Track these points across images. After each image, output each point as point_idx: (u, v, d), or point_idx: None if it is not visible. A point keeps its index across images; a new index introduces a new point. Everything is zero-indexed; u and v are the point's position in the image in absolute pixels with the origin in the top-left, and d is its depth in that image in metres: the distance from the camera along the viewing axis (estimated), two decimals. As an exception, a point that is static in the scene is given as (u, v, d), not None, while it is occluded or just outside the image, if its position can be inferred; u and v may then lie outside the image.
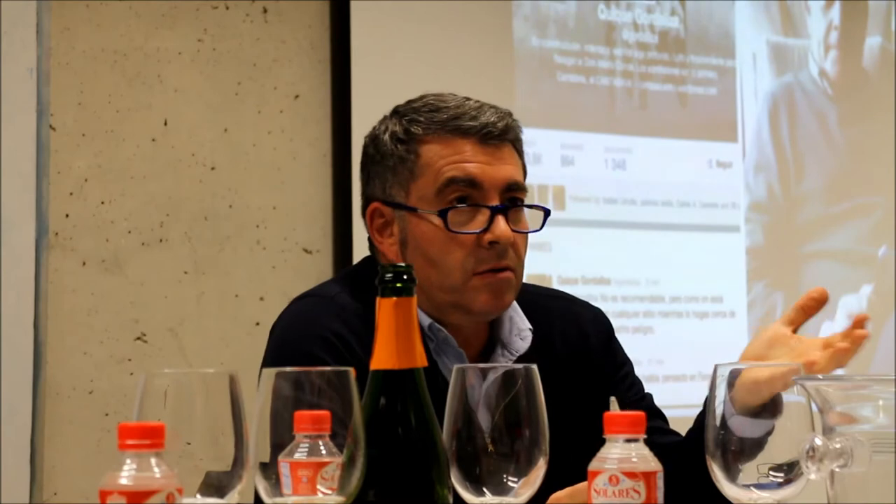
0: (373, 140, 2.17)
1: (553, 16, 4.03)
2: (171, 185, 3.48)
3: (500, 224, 2.07)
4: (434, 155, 2.09)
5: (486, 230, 2.06)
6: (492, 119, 2.10)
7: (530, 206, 2.14)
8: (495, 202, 2.08)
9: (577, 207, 4.00)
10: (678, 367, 4.03)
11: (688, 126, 4.24)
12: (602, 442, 1.39)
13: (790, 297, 4.35)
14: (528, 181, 2.17)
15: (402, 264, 1.39)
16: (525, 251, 2.12)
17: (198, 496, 1.29)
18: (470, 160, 2.08)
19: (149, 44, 3.49)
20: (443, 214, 2.06)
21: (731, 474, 1.45)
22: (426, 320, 2.08)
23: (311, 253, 3.61)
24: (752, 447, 1.46)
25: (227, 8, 3.58)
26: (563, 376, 2.12)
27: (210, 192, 3.53)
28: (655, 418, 2.19)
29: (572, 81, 4.04)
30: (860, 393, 1.40)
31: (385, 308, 1.37)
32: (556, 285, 3.85)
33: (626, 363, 2.27)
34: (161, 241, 3.46)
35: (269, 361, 2.08)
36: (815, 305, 1.97)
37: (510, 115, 2.15)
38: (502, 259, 2.07)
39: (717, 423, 1.46)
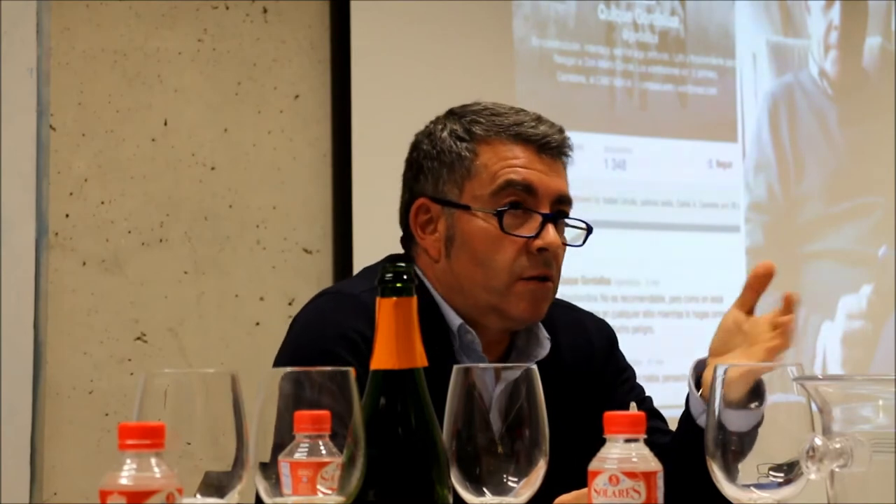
0: (428, 136, 2.18)
1: (553, 16, 4.03)
2: (171, 185, 3.48)
3: (551, 232, 2.11)
4: (493, 156, 2.12)
5: (536, 236, 2.10)
6: (551, 131, 2.16)
7: (576, 220, 2.18)
8: (546, 211, 2.11)
9: (577, 207, 3.99)
10: (678, 367, 4.03)
11: (688, 126, 4.24)
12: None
13: (790, 297, 4.34)
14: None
15: (402, 264, 1.39)
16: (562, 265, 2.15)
17: (198, 496, 1.29)
18: (528, 166, 2.12)
19: (149, 44, 3.49)
20: (499, 215, 2.09)
21: (731, 474, 1.45)
22: (456, 321, 2.10)
23: (311, 253, 3.61)
24: (747, 442, 1.46)
25: (227, 8, 3.58)
26: (569, 383, 2.14)
27: (210, 192, 3.53)
28: (655, 419, 2.20)
29: (572, 81, 4.04)
30: (860, 393, 1.40)
31: (385, 308, 1.37)
32: (556, 285, 3.85)
33: (627, 369, 2.30)
34: (161, 241, 3.46)
35: (286, 357, 2.07)
36: (763, 281, 2.05)
37: (564, 131, 2.18)
38: (548, 267, 2.11)
39: (716, 423, 1.46)
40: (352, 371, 1.29)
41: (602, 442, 1.39)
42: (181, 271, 3.48)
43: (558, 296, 2.18)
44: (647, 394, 2.30)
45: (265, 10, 3.63)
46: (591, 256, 4.04)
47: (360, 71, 3.67)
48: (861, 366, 4.38)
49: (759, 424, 1.48)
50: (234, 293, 3.53)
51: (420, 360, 1.37)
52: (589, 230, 2.19)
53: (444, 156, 2.14)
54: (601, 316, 2.40)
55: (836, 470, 1.36)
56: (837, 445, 1.34)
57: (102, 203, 3.41)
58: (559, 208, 2.14)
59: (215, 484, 1.28)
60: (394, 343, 1.36)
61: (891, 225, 4.44)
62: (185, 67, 3.52)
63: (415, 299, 1.38)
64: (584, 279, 3.99)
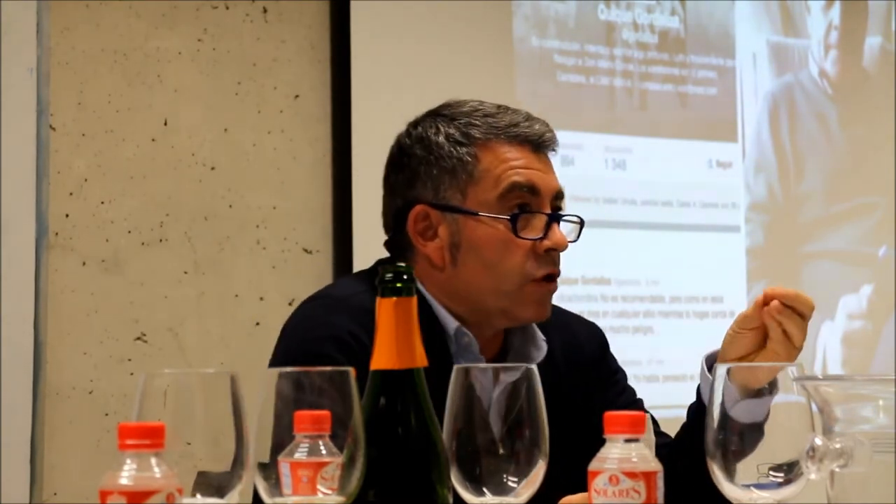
0: (420, 141, 2.16)
1: (553, 16, 4.03)
2: (171, 185, 3.48)
3: (557, 232, 2.11)
4: (495, 160, 2.11)
5: (544, 237, 2.09)
6: (543, 129, 2.16)
7: (571, 216, 2.17)
8: (548, 210, 2.11)
9: (577, 207, 3.98)
10: (678, 367, 4.03)
11: (688, 126, 4.23)
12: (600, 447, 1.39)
13: (790, 297, 4.34)
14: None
15: (402, 264, 1.39)
16: None
17: (198, 496, 1.29)
18: (529, 167, 2.12)
19: (149, 44, 3.49)
20: (513, 220, 2.08)
21: (731, 474, 1.45)
22: (453, 324, 2.09)
23: (311, 253, 3.61)
24: (753, 436, 1.46)
25: (227, 8, 3.58)
26: (564, 384, 2.14)
27: (210, 192, 3.53)
28: None
29: (572, 81, 4.04)
30: (860, 393, 1.40)
31: (385, 308, 1.37)
32: (556, 285, 3.85)
33: (619, 371, 2.31)
34: (161, 241, 3.46)
35: (279, 362, 2.05)
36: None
37: (549, 125, 2.19)
38: (556, 266, 2.11)
39: (716, 423, 1.46)
40: (352, 371, 1.29)
41: (596, 442, 1.39)
42: (181, 271, 3.48)
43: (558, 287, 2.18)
44: (639, 396, 2.30)
45: (265, 10, 3.63)
46: (591, 256, 4.06)
47: (360, 71, 3.67)
48: (861, 366, 4.38)
49: (767, 417, 1.48)
50: (234, 293, 3.53)
51: (420, 360, 1.37)
52: (581, 224, 2.19)
53: (444, 161, 2.12)
54: (601, 316, 2.40)
55: (836, 470, 1.36)
56: (837, 445, 1.34)
57: (102, 203, 3.41)
58: (556, 205, 2.14)
59: (215, 484, 1.28)
60: (394, 343, 1.36)
61: (891, 225, 4.44)
62: (185, 67, 3.52)
63: (415, 299, 1.38)
64: (584, 279, 3.99)
